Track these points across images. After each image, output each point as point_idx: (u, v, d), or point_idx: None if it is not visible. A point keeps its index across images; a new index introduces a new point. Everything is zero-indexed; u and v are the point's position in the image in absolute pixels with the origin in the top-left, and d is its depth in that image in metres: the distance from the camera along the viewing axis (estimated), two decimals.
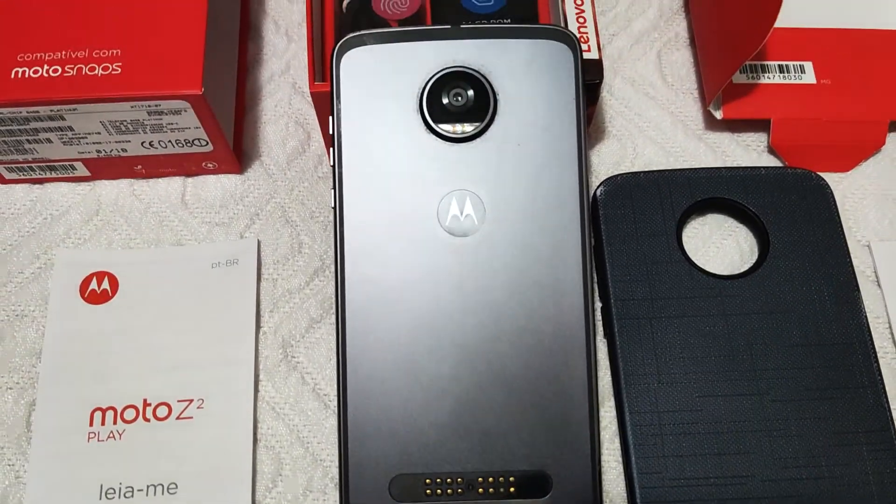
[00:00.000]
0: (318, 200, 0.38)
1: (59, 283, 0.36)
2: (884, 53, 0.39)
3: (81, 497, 0.32)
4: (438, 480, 0.30)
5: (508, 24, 0.35)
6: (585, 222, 0.31)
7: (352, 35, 0.31)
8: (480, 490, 0.30)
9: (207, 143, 0.36)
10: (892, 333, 0.35)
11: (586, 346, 0.30)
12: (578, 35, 0.35)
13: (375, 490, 0.30)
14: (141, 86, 0.33)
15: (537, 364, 0.30)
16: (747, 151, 0.39)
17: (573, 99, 0.31)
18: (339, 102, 0.31)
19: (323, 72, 0.35)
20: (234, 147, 0.38)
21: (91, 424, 0.33)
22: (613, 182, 0.36)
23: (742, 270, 0.35)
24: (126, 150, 0.36)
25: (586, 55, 0.34)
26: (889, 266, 0.36)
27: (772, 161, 0.39)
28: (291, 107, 0.40)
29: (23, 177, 0.38)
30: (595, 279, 0.34)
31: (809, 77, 0.38)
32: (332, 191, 0.31)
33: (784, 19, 0.39)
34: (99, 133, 0.35)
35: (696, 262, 0.35)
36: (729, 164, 0.38)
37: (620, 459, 0.33)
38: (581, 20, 0.36)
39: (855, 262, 0.35)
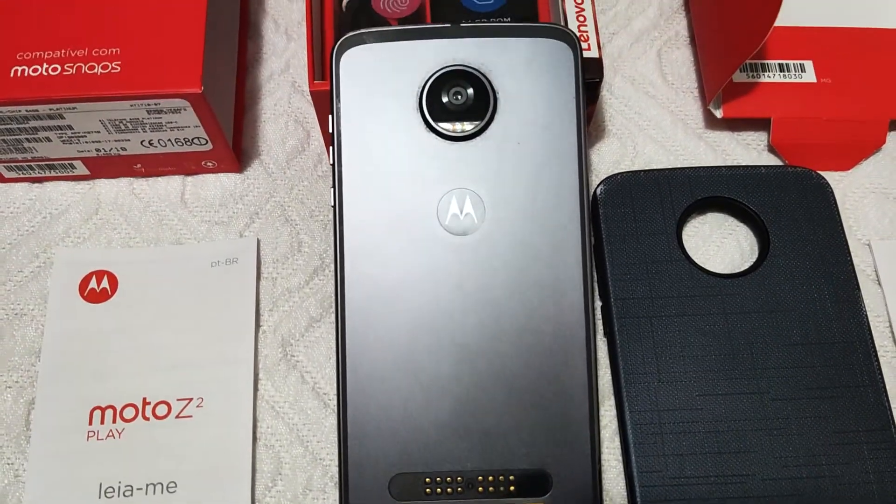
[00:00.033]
0: (317, 199, 0.38)
1: (59, 281, 0.36)
2: (884, 52, 0.39)
3: (81, 496, 0.32)
4: (438, 479, 0.30)
5: (508, 22, 0.35)
6: (585, 221, 0.31)
7: (351, 34, 0.31)
8: (480, 489, 0.30)
9: (207, 141, 0.36)
10: (892, 332, 0.35)
11: (586, 345, 0.30)
12: (578, 34, 0.35)
13: (375, 489, 0.30)
14: (140, 84, 0.33)
15: (537, 363, 0.30)
16: (747, 150, 0.39)
17: (573, 97, 0.31)
18: (339, 101, 0.31)
19: (322, 70, 0.35)
20: (234, 146, 0.38)
21: (90, 423, 0.33)
22: (613, 181, 0.36)
23: (742, 269, 0.35)
24: (125, 149, 0.36)
25: (586, 54, 0.34)
26: (889, 265, 0.36)
27: (772, 160, 0.39)
28: (291, 105, 0.40)
29: (22, 175, 0.38)
30: (595, 278, 0.34)
31: (810, 76, 0.38)
32: (332, 189, 0.31)
33: (784, 18, 0.38)
34: (98, 132, 0.35)
35: (696, 260, 0.35)
36: (729, 163, 0.38)
37: (620, 458, 0.32)
38: (581, 19, 0.36)
39: (855, 260, 0.35)
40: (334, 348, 0.34)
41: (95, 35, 0.33)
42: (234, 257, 0.36)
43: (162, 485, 0.32)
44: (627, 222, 0.35)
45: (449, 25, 0.31)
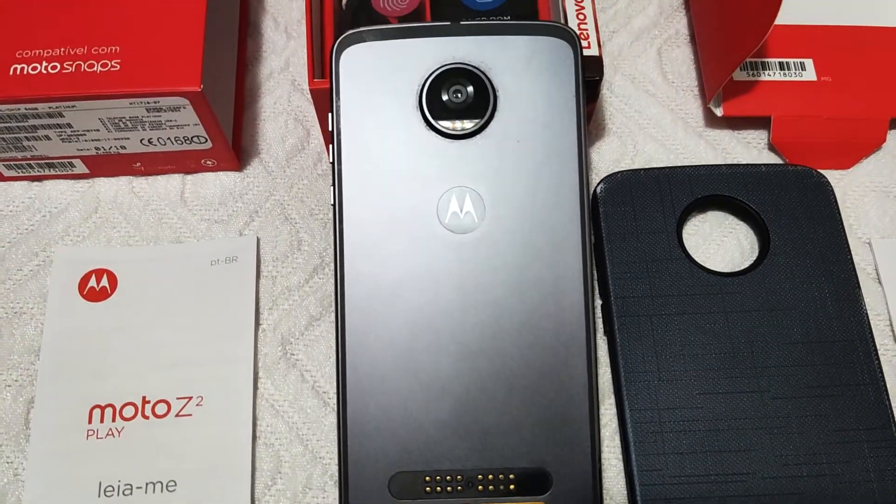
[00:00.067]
0: (317, 198, 0.38)
1: (58, 280, 0.36)
2: (885, 51, 0.39)
3: (80, 495, 0.31)
4: (438, 478, 0.30)
5: (508, 20, 0.35)
6: (585, 219, 0.31)
7: (351, 32, 0.31)
8: (480, 487, 0.29)
9: (206, 140, 0.36)
10: (892, 330, 0.35)
11: (586, 344, 0.30)
12: (578, 32, 0.35)
13: (375, 487, 0.29)
14: (140, 83, 0.33)
15: (537, 361, 0.30)
16: (748, 148, 0.39)
17: (573, 96, 0.31)
18: (339, 99, 0.31)
19: (322, 69, 0.35)
20: (234, 144, 0.38)
21: (90, 422, 0.33)
22: (613, 179, 0.36)
23: (742, 268, 0.35)
24: (125, 148, 0.36)
25: (586, 52, 0.34)
26: (890, 263, 0.36)
27: (772, 158, 0.39)
28: (291, 104, 0.40)
29: (21, 174, 0.38)
30: (595, 276, 0.34)
31: (810, 74, 0.38)
32: (332, 188, 0.31)
33: (784, 16, 0.38)
34: (98, 130, 0.35)
35: (696, 259, 0.35)
36: (729, 162, 0.38)
37: (621, 457, 0.32)
38: (581, 17, 0.36)
39: (856, 259, 0.35)
40: (334, 347, 0.34)
41: (95, 33, 0.33)
42: (234, 256, 0.36)
43: (161, 483, 0.32)
44: (627, 221, 0.35)
45: (449, 23, 0.31)
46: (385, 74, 0.31)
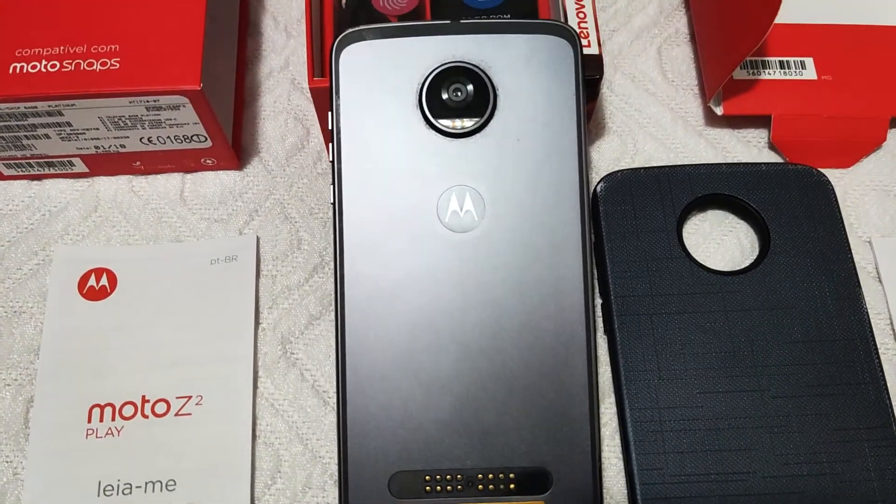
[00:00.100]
0: (317, 197, 0.38)
1: (58, 279, 0.36)
2: (885, 50, 0.39)
3: (80, 494, 0.31)
4: (438, 477, 0.29)
5: (508, 19, 0.35)
6: (585, 218, 0.31)
7: (351, 30, 0.31)
8: (480, 487, 0.29)
9: (206, 139, 0.36)
10: (893, 329, 0.35)
11: (586, 343, 0.30)
12: (578, 30, 0.34)
13: (375, 487, 0.29)
14: (139, 81, 0.32)
15: (537, 360, 0.30)
16: (748, 147, 0.39)
17: (573, 94, 0.31)
18: (339, 98, 0.31)
19: (322, 67, 0.35)
20: (233, 143, 0.38)
21: (89, 421, 0.33)
22: (613, 178, 0.36)
23: (743, 267, 0.35)
24: (124, 146, 0.36)
25: (586, 51, 0.34)
26: (890, 262, 0.36)
27: (772, 157, 0.39)
28: (290, 103, 0.40)
29: (21, 173, 0.38)
30: (595, 275, 0.34)
31: (810, 73, 0.38)
32: (332, 187, 0.31)
33: (785, 15, 0.38)
34: (97, 129, 0.35)
35: (696, 258, 0.35)
36: (729, 161, 0.38)
37: (621, 456, 0.32)
38: (581, 16, 0.35)
39: (856, 258, 0.35)
40: (334, 346, 0.34)
41: (94, 32, 0.33)
42: (234, 255, 0.36)
43: (161, 483, 0.32)
44: (627, 219, 0.35)
45: (448, 22, 0.31)
46: (385, 73, 0.31)
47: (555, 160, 0.31)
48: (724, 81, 0.37)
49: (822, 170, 0.36)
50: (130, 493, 0.31)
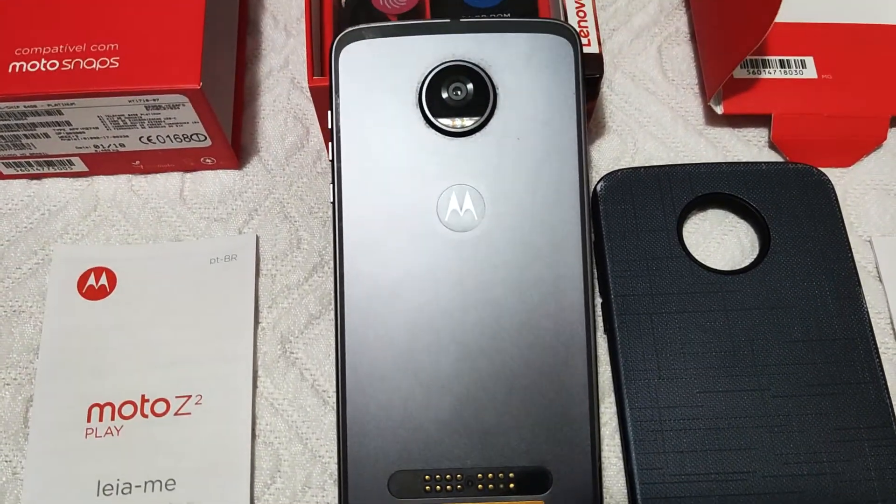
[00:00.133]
0: (316, 196, 0.38)
1: (57, 278, 0.35)
2: (885, 48, 0.39)
3: (79, 493, 0.31)
4: (438, 476, 0.29)
5: (508, 17, 0.35)
6: (585, 217, 0.31)
7: (351, 29, 0.31)
8: (480, 486, 0.29)
9: (206, 138, 0.36)
10: (893, 328, 0.35)
11: (586, 342, 0.30)
12: (578, 29, 0.34)
13: (374, 486, 0.29)
14: (139, 80, 0.32)
15: (537, 360, 0.30)
16: (748, 146, 0.39)
17: (573, 93, 0.31)
18: (338, 97, 0.31)
19: (322, 66, 0.35)
20: (233, 142, 0.38)
21: (89, 420, 0.33)
22: (614, 177, 0.36)
23: (743, 266, 0.35)
24: (124, 146, 0.36)
25: (586, 50, 0.34)
26: (890, 261, 0.36)
27: (773, 156, 0.38)
28: (290, 102, 0.40)
29: (20, 172, 0.38)
30: (595, 274, 0.34)
31: (811, 72, 0.38)
32: (331, 186, 0.31)
33: (785, 14, 0.38)
34: (97, 128, 0.35)
35: (696, 257, 0.35)
36: (730, 160, 0.38)
37: (621, 455, 0.32)
38: (581, 14, 0.35)
39: (856, 257, 0.35)
40: (333, 345, 0.34)
41: (94, 30, 0.33)
42: (233, 254, 0.36)
43: (161, 482, 0.32)
44: (627, 219, 0.35)
45: (448, 21, 0.31)
46: (385, 72, 0.31)
47: (555, 159, 0.31)
48: (725, 80, 0.37)
49: (823, 169, 0.36)
50: (130, 492, 0.31)
